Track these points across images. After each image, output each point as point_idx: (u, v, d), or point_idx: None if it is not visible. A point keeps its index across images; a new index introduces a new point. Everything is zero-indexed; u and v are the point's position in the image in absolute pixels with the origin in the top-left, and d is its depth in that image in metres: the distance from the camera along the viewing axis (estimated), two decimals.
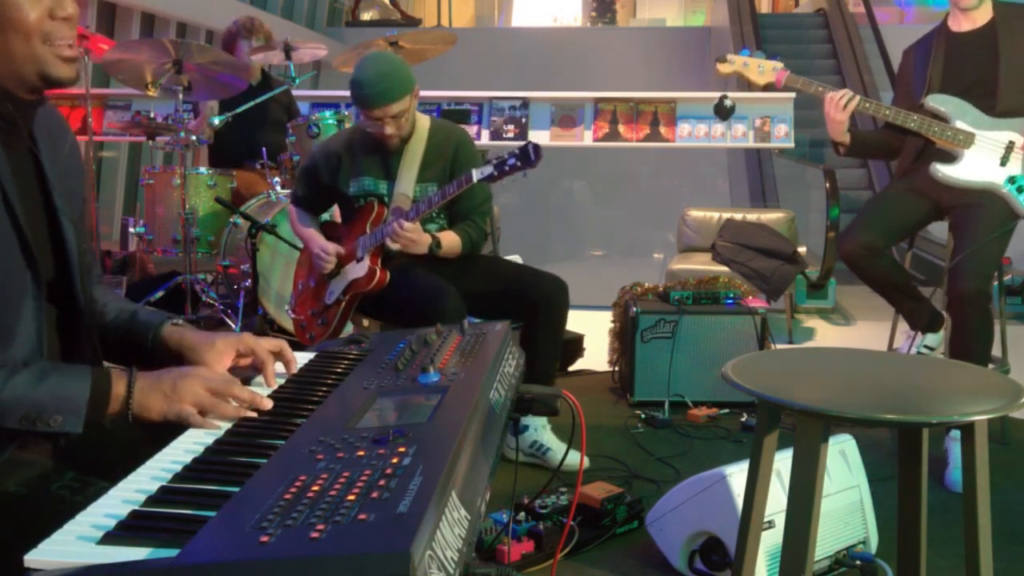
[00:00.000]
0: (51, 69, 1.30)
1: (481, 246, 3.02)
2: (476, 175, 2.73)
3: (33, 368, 1.19)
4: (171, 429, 1.23)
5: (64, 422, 1.18)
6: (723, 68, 3.19)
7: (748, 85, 3.25)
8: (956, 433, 2.89)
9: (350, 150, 3.01)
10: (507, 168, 2.71)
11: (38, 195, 1.33)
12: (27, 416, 1.16)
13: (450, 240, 2.91)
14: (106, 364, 1.47)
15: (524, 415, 2.87)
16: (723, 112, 3.39)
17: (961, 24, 3.11)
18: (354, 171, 2.99)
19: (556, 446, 2.90)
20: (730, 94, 5.29)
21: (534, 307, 2.86)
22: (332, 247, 3.00)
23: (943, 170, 3.02)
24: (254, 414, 1.27)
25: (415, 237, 2.79)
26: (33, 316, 1.29)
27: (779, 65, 3.13)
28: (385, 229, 2.83)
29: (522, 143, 2.73)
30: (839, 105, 3.04)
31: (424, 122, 3.01)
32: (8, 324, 1.25)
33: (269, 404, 1.29)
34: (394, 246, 2.82)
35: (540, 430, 2.92)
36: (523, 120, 5.52)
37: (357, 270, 2.92)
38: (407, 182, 2.94)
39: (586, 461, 2.87)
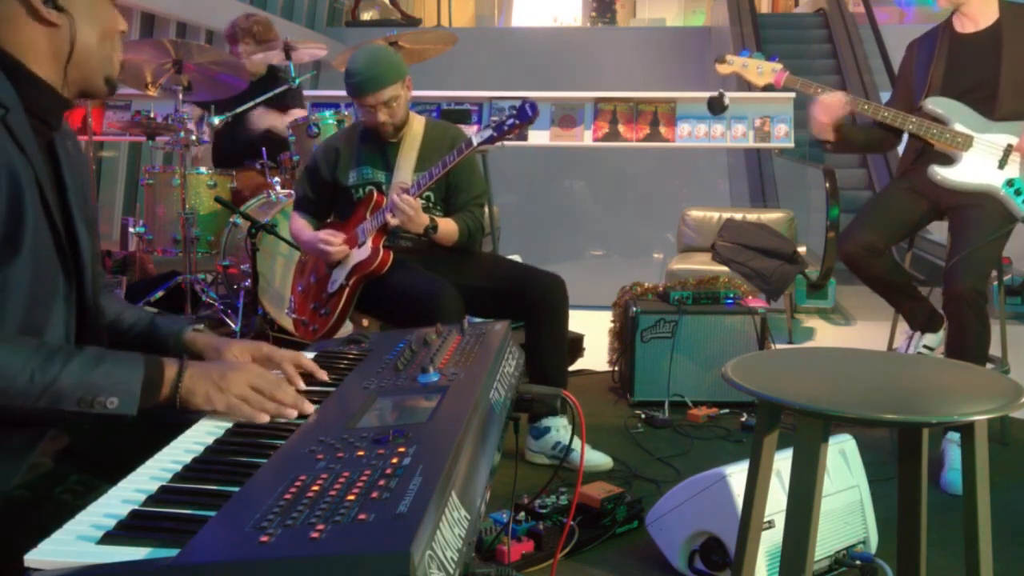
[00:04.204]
0: (114, 74, 1.37)
1: (478, 237, 3.02)
2: (476, 139, 2.76)
3: (87, 353, 1.21)
4: (174, 430, 1.23)
5: (120, 404, 1.20)
6: (722, 69, 3.19)
7: (748, 85, 3.25)
8: (953, 435, 2.90)
9: (349, 143, 3.05)
10: (506, 128, 2.75)
11: (58, 200, 1.34)
12: (84, 398, 1.18)
13: (447, 226, 2.92)
14: None
15: (541, 418, 2.85)
16: (717, 107, 3.39)
17: (965, 25, 3.10)
18: (353, 161, 3.02)
19: (579, 447, 2.89)
20: (730, 93, 5.28)
21: (532, 306, 2.87)
22: (333, 234, 2.99)
23: (941, 172, 3.02)
24: (295, 414, 1.26)
25: (412, 213, 2.80)
26: (63, 316, 1.30)
27: (778, 66, 3.13)
28: (388, 203, 2.85)
29: (518, 103, 2.75)
30: (829, 109, 3.04)
31: (420, 121, 3.06)
32: (39, 323, 1.26)
33: (311, 409, 1.28)
34: (393, 221, 2.83)
35: (562, 431, 2.92)
36: None
37: (360, 254, 2.93)
38: (405, 172, 2.96)
39: (609, 462, 2.89)
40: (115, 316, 1.53)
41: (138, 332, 1.53)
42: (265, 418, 1.26)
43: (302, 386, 1.41)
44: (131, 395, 1.21)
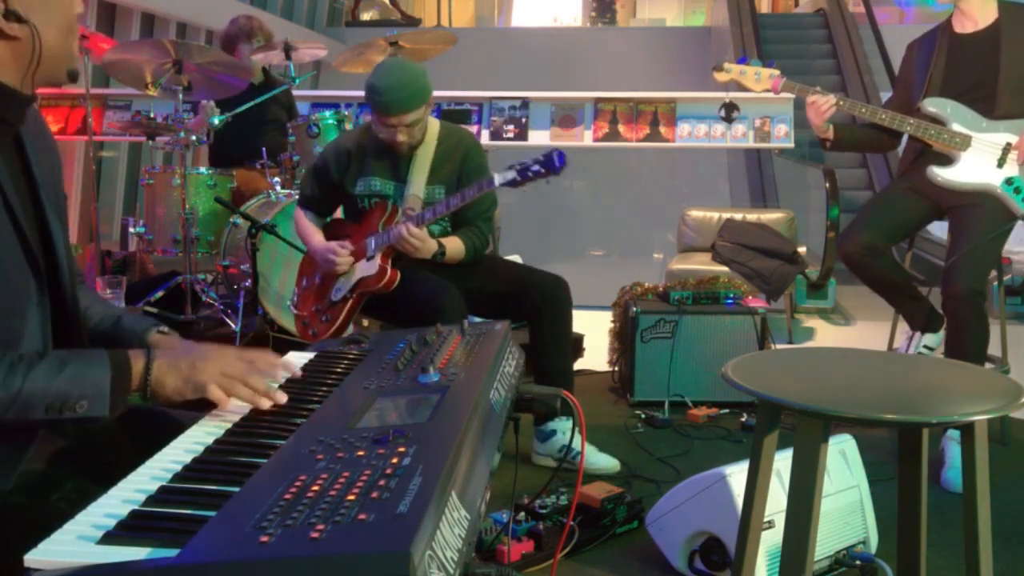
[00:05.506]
0: (76, 66, 1.34)
1: (483, 252, 3.01)
2: (499, 180, 2.71)
3: (51, 358, 1.19)
4: (172, 430, 1.22)
5: (90, 407, 1.18)
6: (720, 76, 3.21)
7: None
8: (953, 433, 2.89)
9: (361, 149, 3.01)
10: (530, 174, 2.68)
11: (27, 195, 1.32)
12: (52, 405, 1.16)
13: (454, 247, 2.90)
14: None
15: (546, 421, 2.83)
16: (731, 113, 3.45)
17: (965, 25, 3.11)
18: (363, 170, 2.99)
19: (586, 450, 2.89)
20: (730, 95, 5.30)
21: (536, 308, 2.87)
22: (341, 247, 2.95)
23: (941, 173, 3.03)
24: (268, 404, 1.26)
25: (419, 244, 2.78)
26: (39, 321, 1.28)
27: (775, 72, 3.15)
28: (393, 231, 2.83)
29: (548, 150, 2.70)
30: (819, 110, 3.06)
31: (434, 126, 3.02)
32: (15, 328, 1.24)
33: (283, 398, 1.27)
34: (400, 249, 2.82)
35: (568, 434, 2.91)
36: (523, 120, 5.52)
37: (367, 268, 2.91)
38: (417, 184, 2.93)
39: (616, 465, 2.88)
40: (83, 310, 1.50)
41: (102, 331, 1.50)
42: (230, 404, 1.25)
43: (281, 380, 1.41)
44: (101, 396, 1.19)
